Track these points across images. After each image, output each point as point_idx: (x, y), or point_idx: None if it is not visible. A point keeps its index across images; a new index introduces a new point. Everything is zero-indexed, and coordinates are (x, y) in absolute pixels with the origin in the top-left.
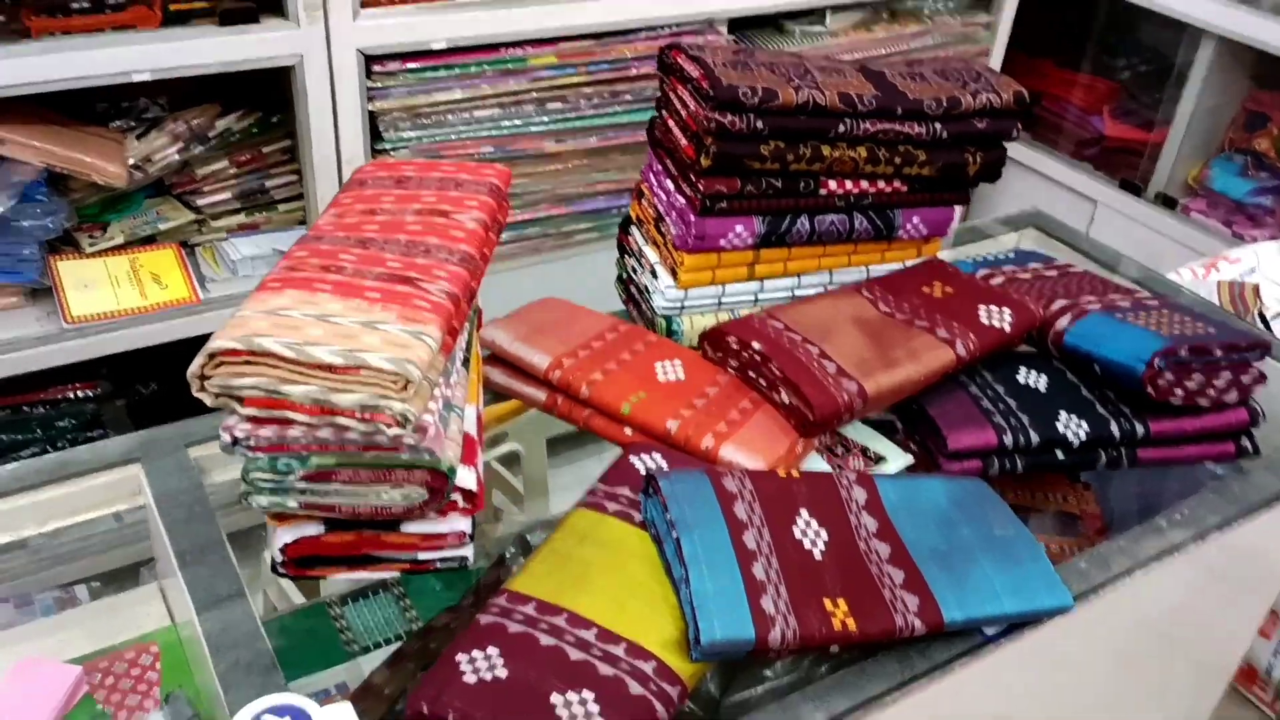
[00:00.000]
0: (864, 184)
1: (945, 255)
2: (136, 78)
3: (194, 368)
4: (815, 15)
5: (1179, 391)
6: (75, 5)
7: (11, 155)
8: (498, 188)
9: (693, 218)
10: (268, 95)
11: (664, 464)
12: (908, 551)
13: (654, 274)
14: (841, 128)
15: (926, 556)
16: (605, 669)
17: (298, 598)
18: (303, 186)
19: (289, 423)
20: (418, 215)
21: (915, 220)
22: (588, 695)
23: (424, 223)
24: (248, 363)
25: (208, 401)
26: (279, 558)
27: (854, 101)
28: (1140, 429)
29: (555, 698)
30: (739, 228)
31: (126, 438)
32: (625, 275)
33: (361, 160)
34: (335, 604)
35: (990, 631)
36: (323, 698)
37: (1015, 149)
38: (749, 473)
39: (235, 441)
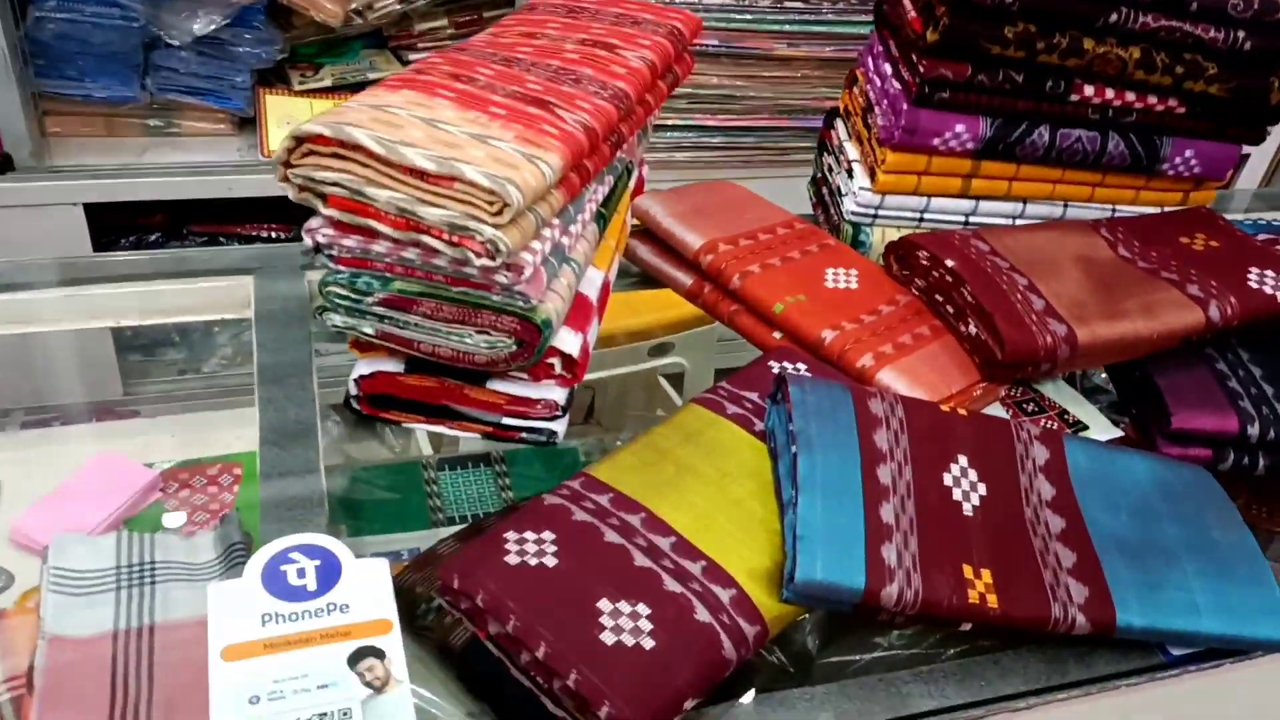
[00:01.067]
0: (1130, 96)
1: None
2: None
3: (279, 151)
4: None
5: None
6: None
7: None
8: (679, 32)
9: (905, 106)
10: None
11: (807, 374)
12: (1087, 531)
13: (850, 173)
14: (1114, 17)
15: (1110, 542)
16: (672, 584)
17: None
18: None
19: (373, 234)
20: (579, 45)
21: (1189, 154)
22: (642, 609)
23: (584, 53)
24: (336, 155)
25: (291, 195)
26: (353, 390)
27: None
28: None
29: (604, 603)
30: (959, 127)
31: (247, 249)
32: (819, 174)
33: None
34: (430, 467)
35: (1176, 653)
36: (390, 559)
37: None
38: (903, 399)
39: (318, 248)
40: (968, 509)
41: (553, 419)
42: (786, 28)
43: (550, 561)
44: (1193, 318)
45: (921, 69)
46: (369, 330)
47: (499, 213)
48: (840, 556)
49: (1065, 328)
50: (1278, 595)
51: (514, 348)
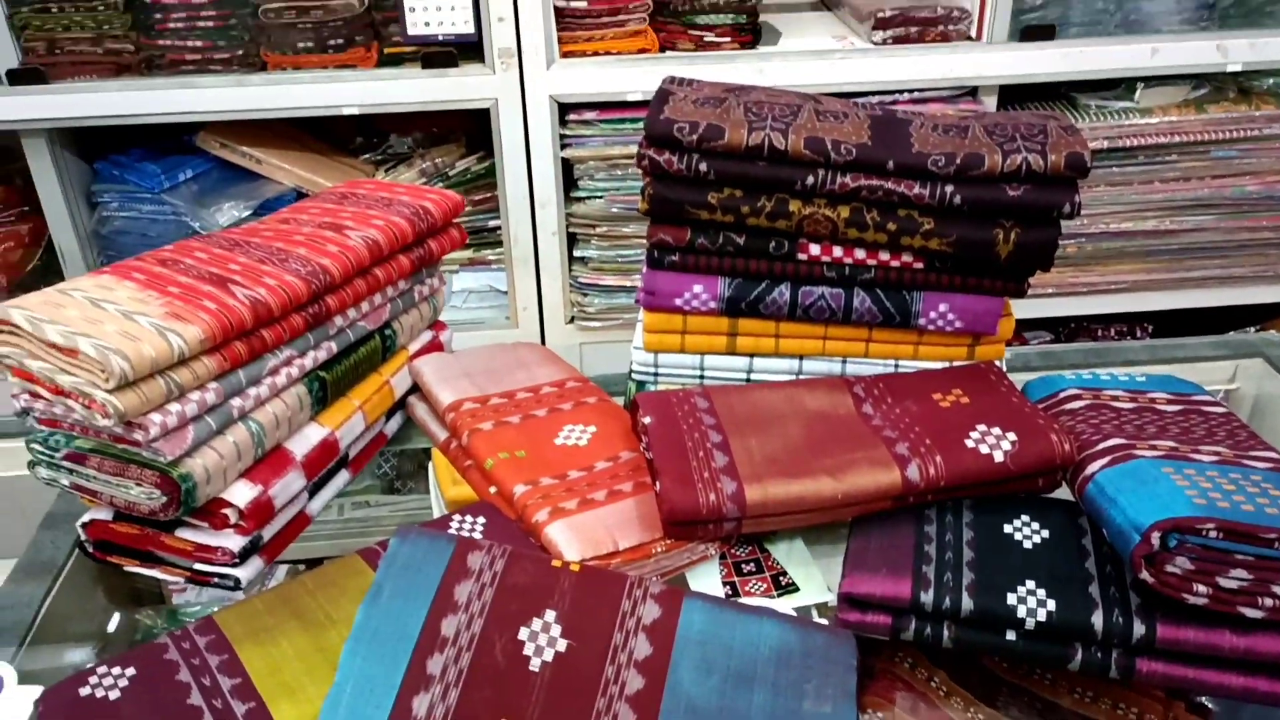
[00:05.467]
0: (859, 253)
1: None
2: (345, 111)
3: None
4: (1123, 87)
5: (1201, 589)
6: (301, 45)
7: (266, 173)
8: (424, 211)
9: (646, 270)
10: None
11: (479, 529)
12: (662, 692)
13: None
14: (811, 180)
15: (680, 704)
16: None
17: None
18: (502, 229)
19: (38, 397)
20: (316, 228)
21: (943, 308)
22: None
23: (311, 234)
24: (11, 333)
25: None
26: (82, 536)
27: (825, 149)
28: (1141, 629)
29: None
30: (697, 287)
31: None
32: None
33: (554, 205)
34: None
35: None
36: None
37: None
38: (515, 554)
39: (25, 411)
40: (535, 664)
41: (233, 564)
42: None
43: (114, 694)
44: (887, 478)
45: (648, 235)
46: (65, 483)
47: (108, 379)
48: (365, 705)
49: (736, 486)
50: None
51: (164, 499)
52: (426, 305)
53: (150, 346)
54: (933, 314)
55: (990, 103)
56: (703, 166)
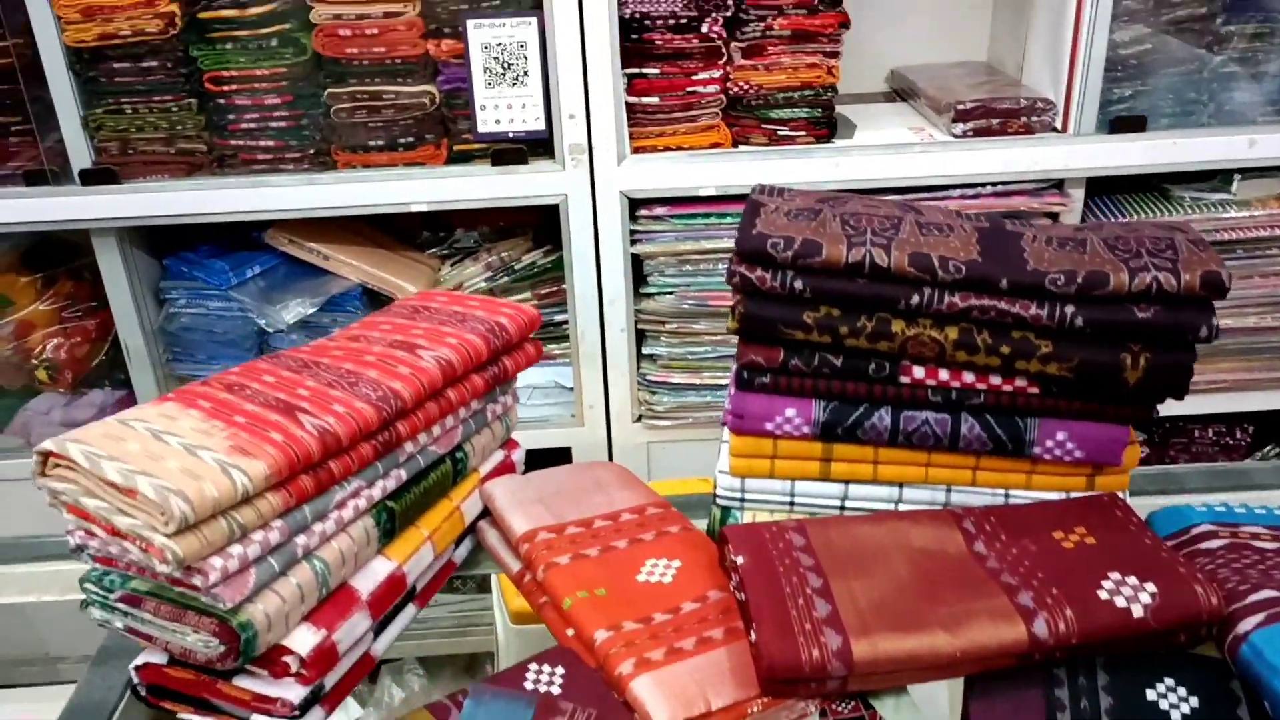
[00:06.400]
0: (968, 377)
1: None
2: (415, 208)
3: (34, 465)
4: (1218, 179)
5: None
6: (372, 143)
7: (332, 269)
8: (499, 327)
9: (733, 391)
10: None
11: (558, 681)
12: None
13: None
14: (916, 299)
15: None
16: None
17: None
18: (569, 324)
19: (93, 535)
20: (387, 347)
21: (1061, 436)
22: None
23: (383, 355)
24: (69, 467)
25: (49, 500)
26: (134, 679)
27: (932, 266)
28: None
29: None
30: (790, 411)
31: None
32: None
33: (623, 301)
34: None
35: None
36: None
37: None
38: (596, 719)
39: (80, 548)
40: None
41: (292, 716)
42: None
43: None
44: (1012, 634)
45: (737, 355)
46: (119, 625)
47: (168, 523)
48: None
49: (841, 640)
50: None
51: (222, 649)
52: (499, 424)
53: (213, 485)
54: (1049, 442)
55: (1077, 196)
56: (798, 284)
